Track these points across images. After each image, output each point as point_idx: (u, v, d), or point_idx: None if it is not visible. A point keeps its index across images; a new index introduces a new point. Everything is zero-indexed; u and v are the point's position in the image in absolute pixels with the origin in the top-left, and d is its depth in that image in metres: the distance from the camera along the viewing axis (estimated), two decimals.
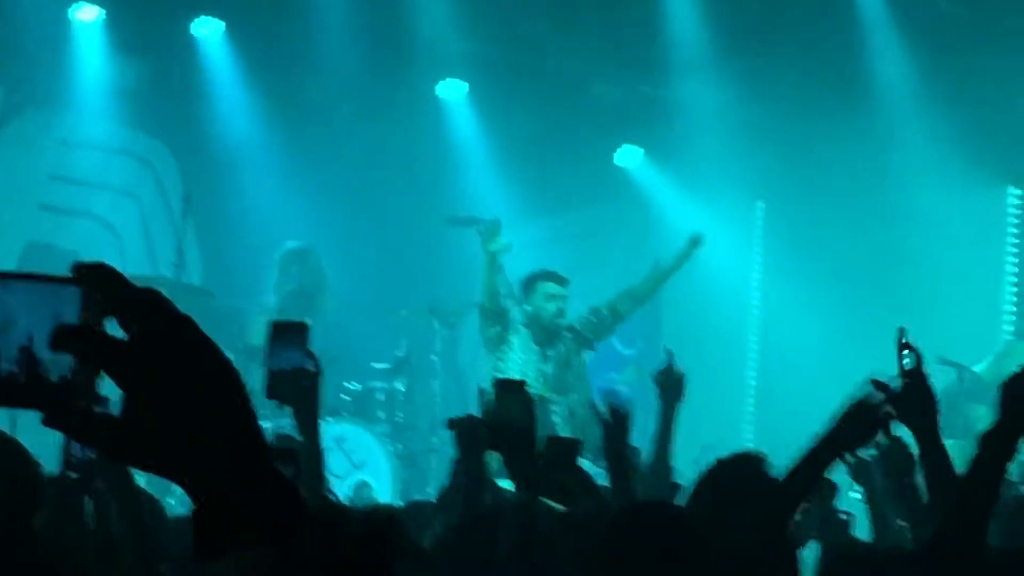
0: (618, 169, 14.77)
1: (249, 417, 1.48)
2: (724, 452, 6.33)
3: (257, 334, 11.62)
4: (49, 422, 1.48)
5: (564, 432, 10.68)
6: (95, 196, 13.57)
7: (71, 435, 1.50)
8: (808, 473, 4.41)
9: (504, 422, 4.98)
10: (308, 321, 10.96)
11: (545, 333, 10.79)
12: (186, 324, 1.48)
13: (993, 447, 3.93)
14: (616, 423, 5.61)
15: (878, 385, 4.57)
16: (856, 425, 4.37)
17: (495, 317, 10.68)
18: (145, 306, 1.47)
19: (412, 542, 4.26)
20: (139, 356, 1.46)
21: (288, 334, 4.74)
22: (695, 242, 11.30)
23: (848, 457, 4.98)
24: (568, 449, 5.51)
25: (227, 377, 1.49)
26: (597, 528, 4.20)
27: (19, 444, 3.40)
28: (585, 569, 4.06)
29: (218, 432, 1.46)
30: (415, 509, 5.90)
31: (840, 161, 13.77)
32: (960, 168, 13.09)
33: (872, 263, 13.79)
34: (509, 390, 5.19)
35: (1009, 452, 3.94)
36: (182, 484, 1.47)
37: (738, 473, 4.89)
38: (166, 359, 1.46)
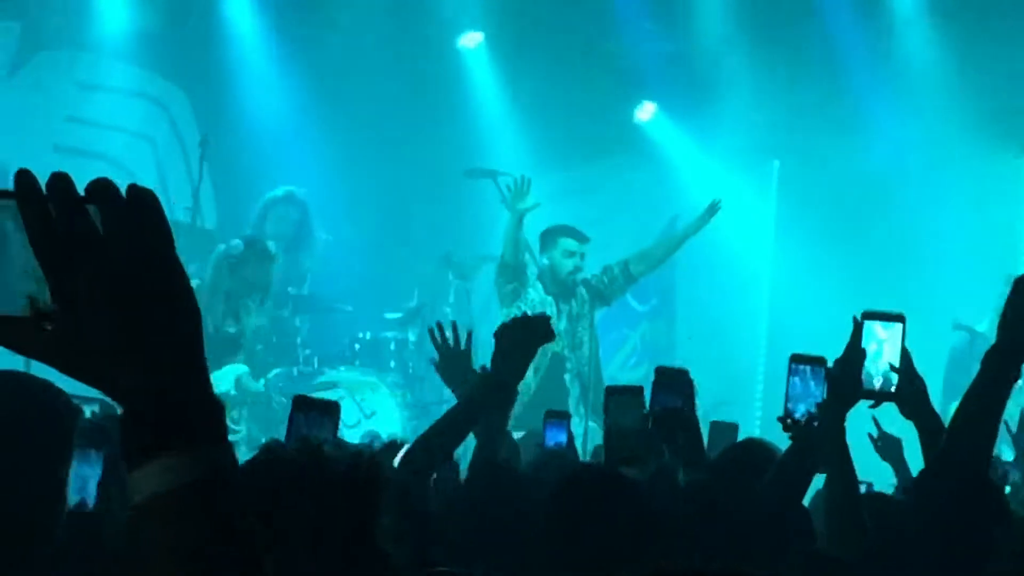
0: (634, 124, 14.71)
1: (191, 332, 1.50)
2: (736, 407, 6.38)
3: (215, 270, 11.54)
4: None
5: (573, 389, 10.69)
6: (110, 138, 13.55)
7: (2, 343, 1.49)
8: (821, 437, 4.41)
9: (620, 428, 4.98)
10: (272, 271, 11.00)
11: (559, 287, 10.78)
12: (163, 234, 1.49)
13: (993, 365, 3.85)
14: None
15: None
16: (845, 388, 4.35)
17: (514, 273, 10.65)
18: (137, 205, 1.48)
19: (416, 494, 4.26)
20: (106, 249, 1.47)
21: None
22: (713, 210, 11.28)
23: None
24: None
25: (178, 292, 1.50)
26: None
27: (59, 391, 3.37)
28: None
29: (155, 344, 1.47)
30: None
31: (856, 122, 13.73)
32: (977, 133, 13.06)
33: (886, 224, 13.77)
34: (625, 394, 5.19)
35: (1011, 370, 3.85)
36: (111, 391, 1.48)
37: (748, 459, 4.89)
38: (128, 259, 1.47)
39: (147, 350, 1.47)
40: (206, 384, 1.51)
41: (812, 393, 4.44)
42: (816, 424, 4.37)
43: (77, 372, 1.50)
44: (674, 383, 4.99)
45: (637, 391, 5.13)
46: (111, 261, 1.47)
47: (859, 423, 5.04)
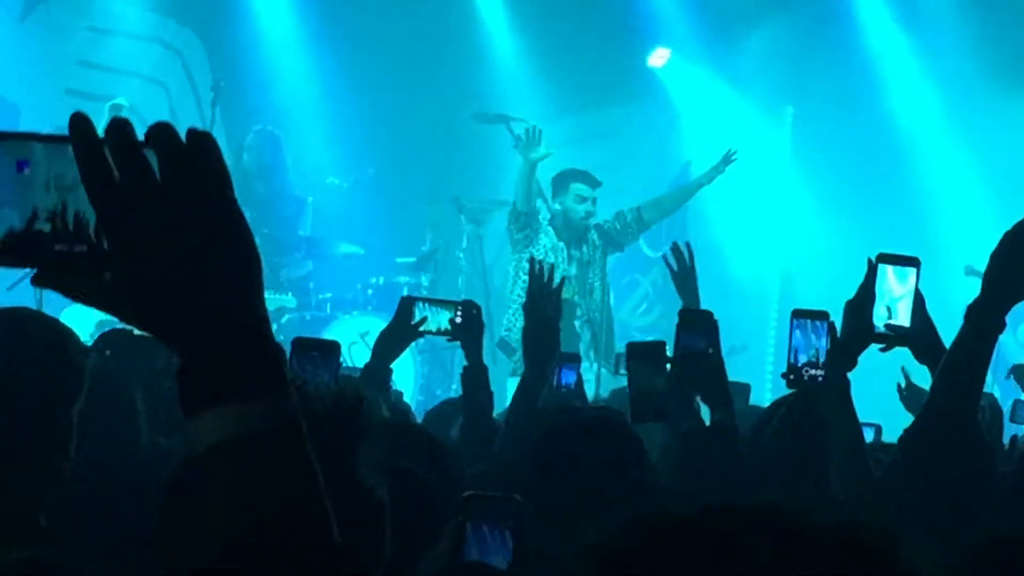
0: (648, 69, 14.66)
1: (250, 279, 1.49)
2: (749, 354, 6.37)
3: None
4: (40, 280, 1.47)
5: (584, 335, 10.68)
6: (123, 83, 13.51)
7: (62, 291, 1.48)
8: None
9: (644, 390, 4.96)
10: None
11: (571, 233, 10.75)
12: (221, 180, 1.49)
13: (975, 317, 3.84)
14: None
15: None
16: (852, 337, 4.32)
17: (526, 220, 10.64)
18: (199, 152, 1.48)
19: (433, 438, 4.28)
20: (163, 194, 1.45)
21: None
22: (728, 160, 11.23)
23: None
24: None
25: (237, 238, 1.48)
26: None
27: (69, 330, 3.35)
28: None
29: (213, 291, 1.46)
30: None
31: (870, 67, 13.71)
32: (992, 77, 13.02)
33: (900, 169, 13.74)
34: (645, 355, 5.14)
35: (994, 323, 3.83)
36: (166, 339, 1.48)
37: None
38: (185, 205, 1.46)
39: (203, 296, 1.45)
40: (265, 332, 1.49)
41: (816, 347, 4.41)
42: (820, 380, 4.35)
43: (133, 319, 1.48)
44: (698, 325, 4.95)
45: (659, 348, 5.05)
46: (168, 206, 1.45)
47: (886, 371, 5.01)
